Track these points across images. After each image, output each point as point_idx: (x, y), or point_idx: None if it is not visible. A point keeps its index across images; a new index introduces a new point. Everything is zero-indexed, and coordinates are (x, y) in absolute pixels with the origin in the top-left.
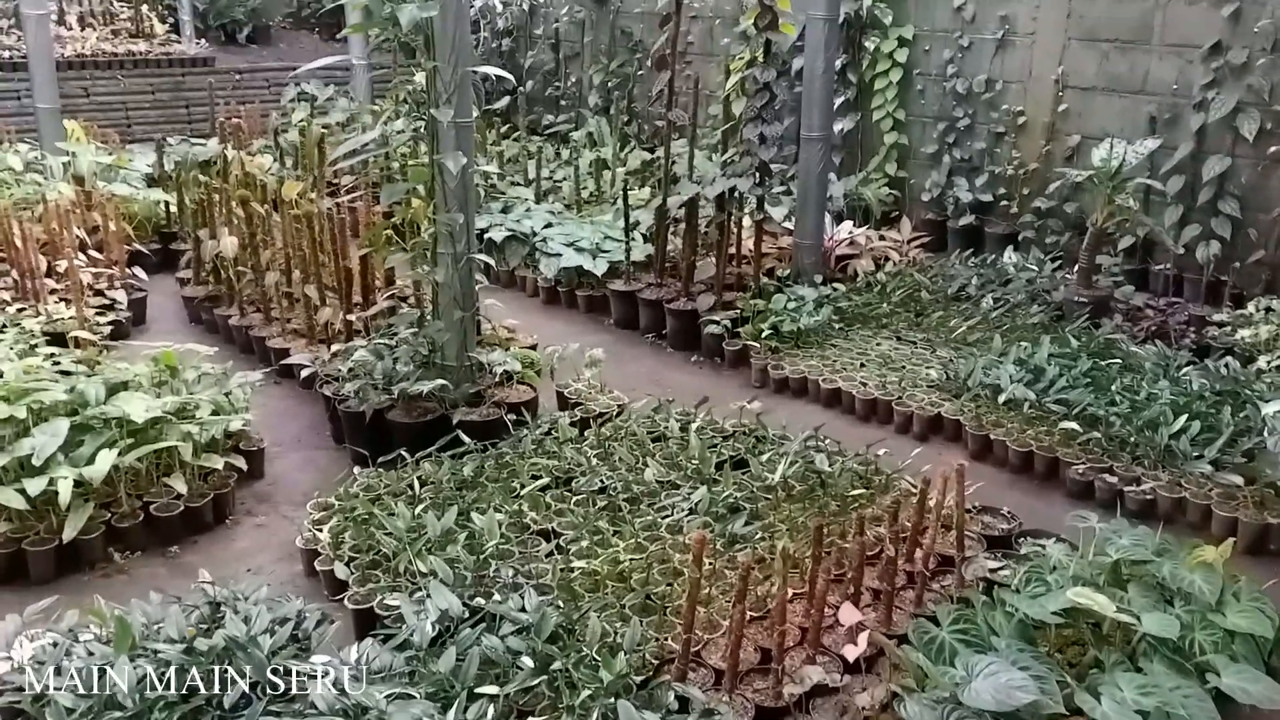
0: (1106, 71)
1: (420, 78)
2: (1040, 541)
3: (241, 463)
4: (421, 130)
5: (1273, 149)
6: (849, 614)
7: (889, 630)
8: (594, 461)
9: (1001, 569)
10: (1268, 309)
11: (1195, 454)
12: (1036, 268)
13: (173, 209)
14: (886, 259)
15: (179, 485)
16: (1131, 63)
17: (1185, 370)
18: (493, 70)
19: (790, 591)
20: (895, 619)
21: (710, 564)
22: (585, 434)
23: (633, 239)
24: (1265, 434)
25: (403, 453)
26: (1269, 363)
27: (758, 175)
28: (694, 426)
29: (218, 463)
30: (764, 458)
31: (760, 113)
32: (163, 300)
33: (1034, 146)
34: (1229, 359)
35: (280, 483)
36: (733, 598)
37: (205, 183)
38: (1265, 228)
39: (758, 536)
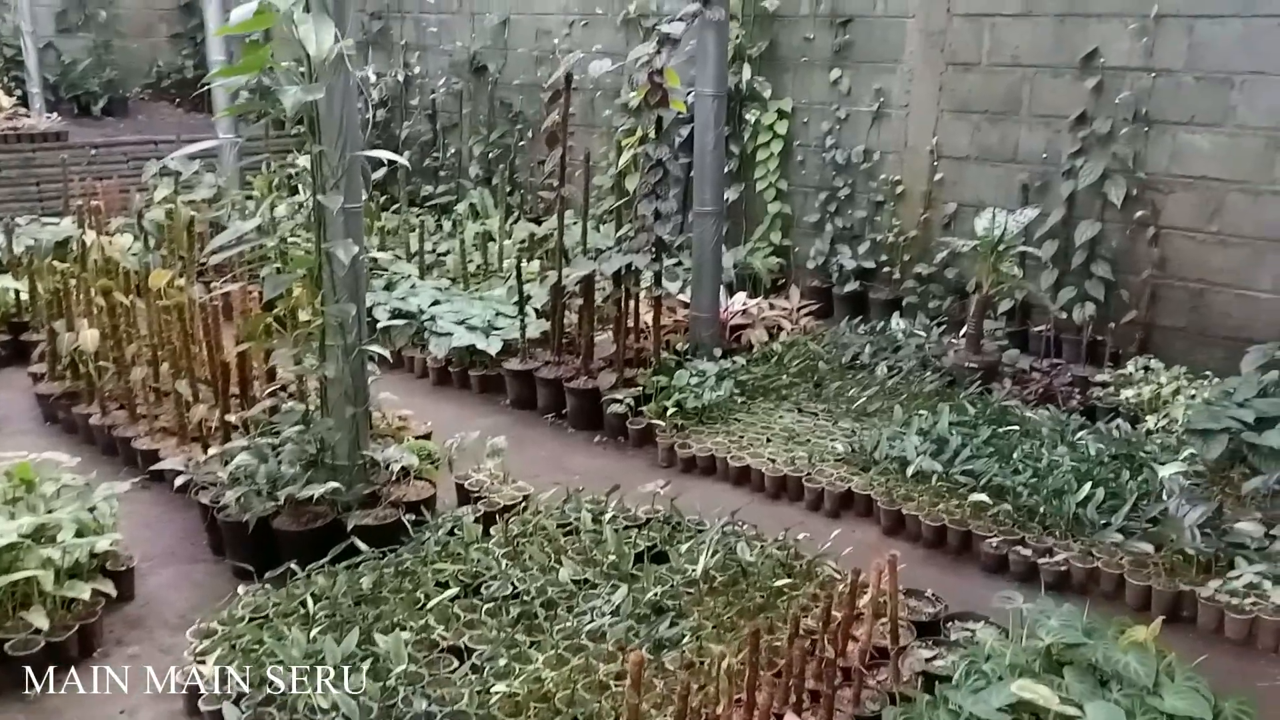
0: (979, 142)
1: (304, 161)
2: (969, 626)
3: (110, 587)
4: (306, 216)
5: (1139, 214)
6: None
7: None
8: (504, 563)
9: (935, 659)
10: (1146, 368)
11: (1103, 522)
12: (924, 333)
13: (24, 297)
14: (779, 328)
15: (39, 619)
16: (1002, 133)
17: (1080, 434)
18: (383, 154)
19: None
20: None
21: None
22: (491, 531)
23: (526, 315)
24: (1165, 497)
25: (292, 566)
26: (1156, 423)
27: (654, 251)
28: (607, 517)
29: (83, 591)
30: (683, 548)
31: (654, 189)
32: (13, 397)
33: (913, 214)
34: (1119, 420)
35: (153, 604)
36: (670, 717)
37: (61, 270)
38: (1136, 289)
39: (685, 639)
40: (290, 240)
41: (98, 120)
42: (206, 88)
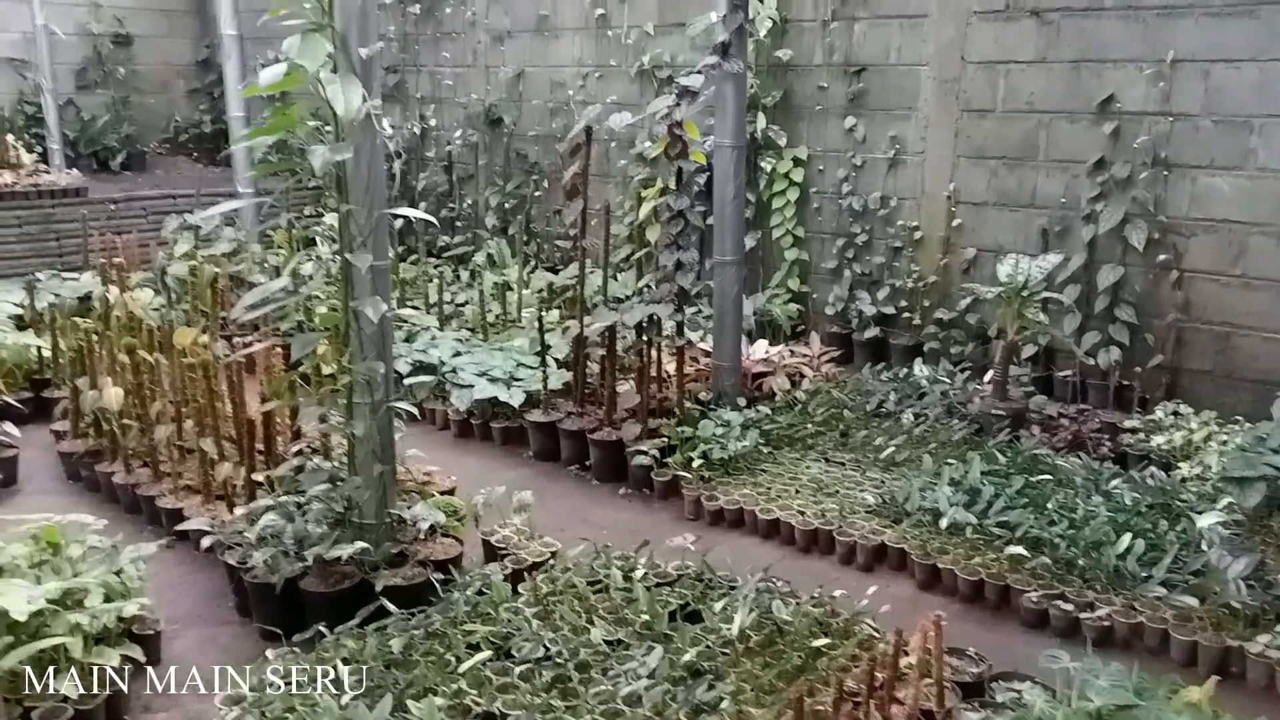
0: (996, 187)
1: (330, 219)
2: (1015, 686)
3: (139, 653)
4: (333, 273)
5: (1162, 257)
6: None
7: None
8: (534, 623)
9: None
10: (1175, 413)
11: (1144, 575)
12: (949, 380)
13: (46, 354)
14: (800, 375)
15: (67, 687)
16: (1020, 178)
17: (1114, 483)
18: (412, 213)
19: None
20: None
21: None
22: (520, 589)
23: (548, 366)
24: (1205, 548)
25: (321, 628)
26: (1190, 470)
27: (676, 301)
28: (637, 574)
29: (112, 657)
30: (717, 606)
31: (676, 239)
32: (36, 455)
33: (931, 260)
34: (1152, 468)
35: (180, 669)
36: None
37: (85, 328)
38: (1161, 333)
39: (724, 703)
40: (317, 297)
41: (116, 175)
42: (227, 143)
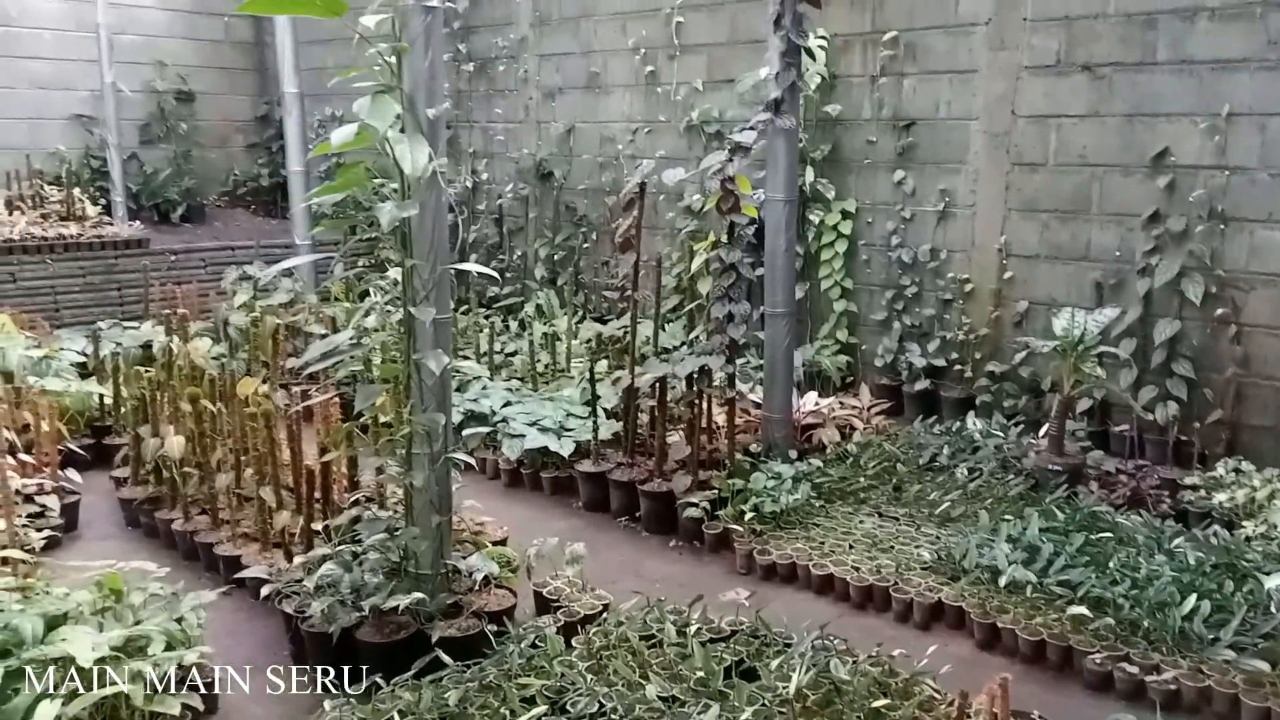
0: (1048, 240)
1: (395, 273)
2: None
3: (198, 702)
4: (395, 326)
5: (1220, 311)
6: None
7: None
8: (588, 678)
9: None
10: (1236, 470)
11: (1211, 637)
12: (1002, 434)
13: (108, 401)
14: (850, 427)
15: None
16: (1072, 231)
17: (1176, 542)
18: (474, 268)
19: None
20: None
21: None
22: (573, 642)
23: (598, 416)
24: (1274, 610)
25: (377, 679)
26: (1255, 529)
27: (728, 353)
28: (691, 630)
29: (174, 707)
30: (773, 664)
31: (727, 291)
32: (96, 501)
33: (983, 312)
34: (1216, 527)
35: (236, 718)
36: None
37: (149, 377)
38: (1220, 387)
39: None
40: (375, 349)
41: (176, 227)
42: (284, 196)
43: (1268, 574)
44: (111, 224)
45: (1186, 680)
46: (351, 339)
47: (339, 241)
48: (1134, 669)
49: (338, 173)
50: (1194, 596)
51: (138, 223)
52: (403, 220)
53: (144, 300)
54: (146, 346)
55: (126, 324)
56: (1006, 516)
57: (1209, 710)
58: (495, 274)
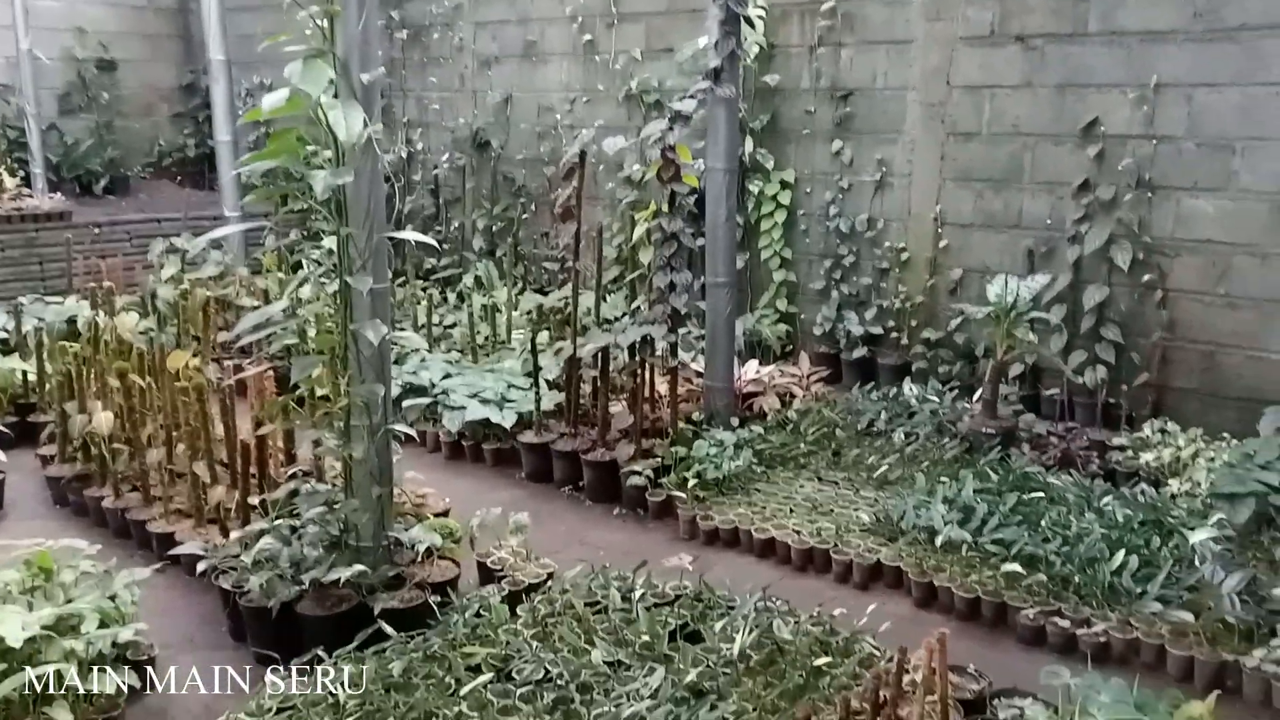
0: (982, 209)
1: (329, 242)
2: (1016, 703)
3: (134, 679)
4: (332, 297)
5: (1147, 277)
6: None
7: None
8: (534, 645)
9: None
10: (1162, 430)
11: (1139, 590)
12: (938, 399)
13: (31, 378)
14: (790, 395)
15: (62, 715)
16: (1006, 200)
17: (1106, 500)
18: (411, 236)
19: None
20: None
21: None
22: (518, 610)
23: (539, 388)
24: (1198, 563)
25: (319, 653)
26: (1180, 487)
27: (670, 322)
28: (636, 595)
29: (108, 684)
30: (716, 626)
31: (669, 261)
32: (21, 480)
33: (919, 281)
34: (1143, 485)
35: (175, 695)
36: None
37: (74, 353)
38: (1147, 351)
39: None
40: (310, 321)
41: (100, 199)
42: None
43: (1192, 529)
44: (31, 196)
45: (1116, 632)
46: (285, 310)
47: (269, 213)
48: (1065, 623)
49: (269, 140)
50: (1122, 552)
51: (59, 195)
52: (338, 188)
53: (67, 274)
54: (71, 322)
55: (49, 299)
56: (942, 479)
57: (1137, 661)
58: (434, 242)
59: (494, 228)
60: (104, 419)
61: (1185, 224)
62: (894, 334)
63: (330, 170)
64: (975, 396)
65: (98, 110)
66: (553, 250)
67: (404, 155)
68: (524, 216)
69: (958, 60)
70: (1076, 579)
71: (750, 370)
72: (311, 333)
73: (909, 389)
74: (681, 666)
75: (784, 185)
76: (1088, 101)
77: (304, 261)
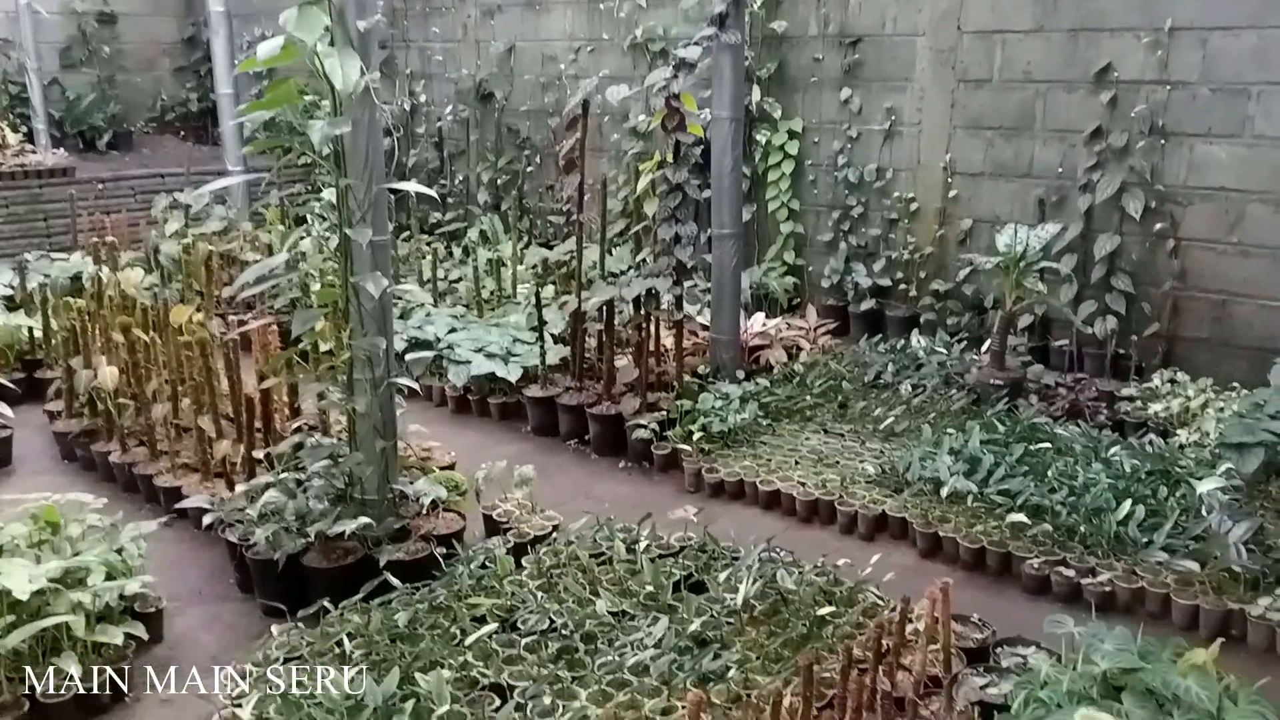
0: (992, 158)
1: (329, 195)
2: (1020, 651)
3: (141, 630)
4: (333, 249)
5: (1159, 226)
6: None
7: None
8: (539, 596)
9: (988, 686)
10: (1171, 381)
11: (1145, 540)
12: (945, 351)
13: (38, 334)
14: (797, 348)
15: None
16: (1016, 149)
17: (1113, 450)
18: (412, 187)
19: None
20: None
21: (679, 706)
22: (523, 562)
23: (544, 341)
24: (1205, 513)
25: (325, 604)
26: (1188, 437)
27: (675, 274)
28: (640, 546)
29: (116, 636)
30: (720, 577)
31: (674, 212)
32: (29, 435)
33: (928, 231)
34: (1151, 435)
35: (183, 646)
36: None
37: (78, 308)
38: (1158, 301)
39: (730, 672)
40: (312, 274)
41: (103, 155)
42: (214, 121)
43: (1200, 479)
44: (34, 152)
45: (1121, 582)
46: (286, 263)
47: (272, 167)
48: (1070, 572)
49: (267, 90)
50: (1129, 502)
51: (62, 150)
52: (336, 139)
53: (72, 230)
54: (76, 278)
55: (54, 255)
56: (949, 430)
57: (1142, 610)
58: (434, 194)
59: (499, 181)
60: (109, 374)
61: (1198, 171)
62: (902, 286)
63: (327, 120)
64: (983, 348)
65: (99, 64)
66: (558, 203)
67: (407, 108)
68: (529, 169)
69: (968, 4)
70: (1082, 529)
71: (756, 323)
72: (315, 287)
73: (917, 341)
74: (685, 616)
75: (791, 135)
76: (1100, 46)
77: (306, 215)
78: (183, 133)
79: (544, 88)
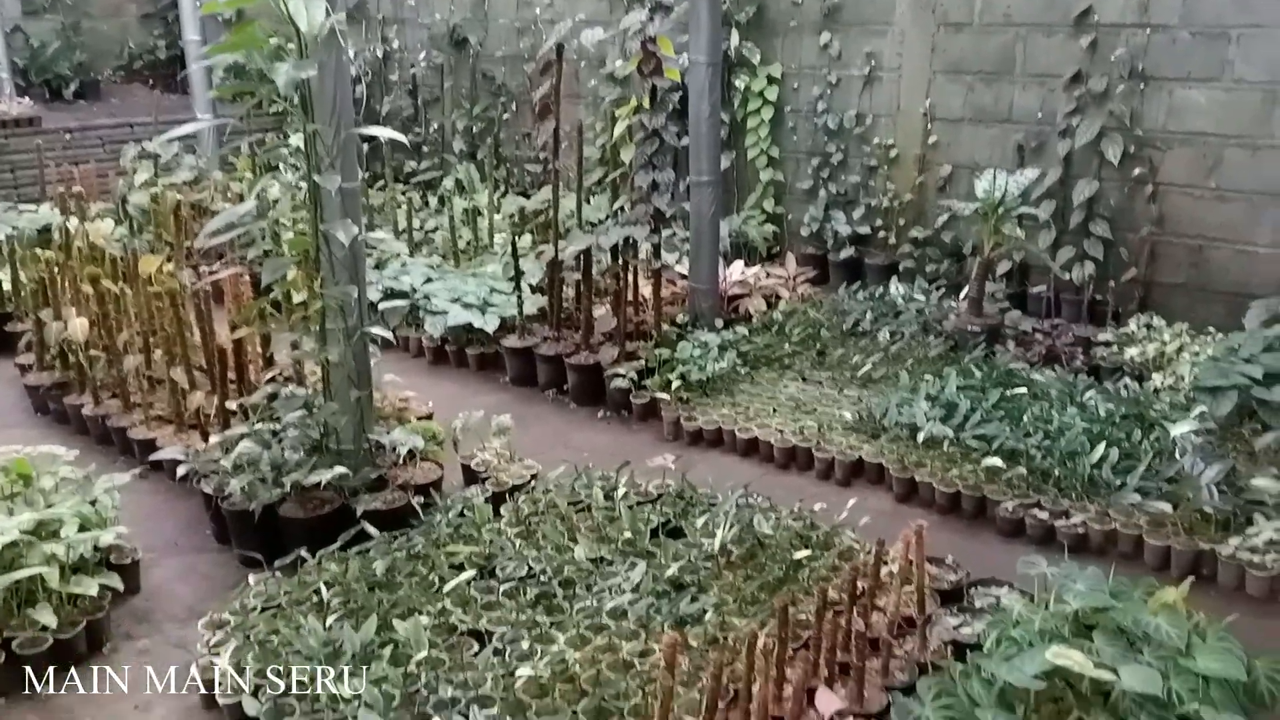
0: (972, 103)
1: (296, 140)
2: (993, 592)
3: (116, 581)
4: (301, 197)
5: (1137, 171)
6: (827, 701)
7: (862, 708)
8: (517, 543)
9: (962, 626)
10: (1148, 326)
11: (1119, 483)
12: (924, 298)
13: (6, 287)
14: (776, 296)
15: (46, 617)
16: (996, 94)
17: (1088, 395)
18: (380, 131)
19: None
20: (866, 694)
21: (656, 648)
22: (501, 511)
23: (522, 291)
24: (1178, 456)
25: (302, 553)
26: (1163, 381)
27: (652, 222)
28: (619, 494)
29: (90, 586)
30: (698, 522)
31: (651, 159)
32: (1, 390)
33: (907, 178)
34: (1126, 380)
35: (160, 597)
36: (704, 698)
37: (46, 259)
38: (1135, 246)
39: (707, 615)
40: (283, 222)
41: (70, 104)
42: (184, 69)
43: (1174, 422)
44: None
45: (1094, 524)
46: (252, 210)
47: (243, 117)
48: (1044, 515)
49: (232, 32)
50: (1103, 445)
51: (27, 100)
52: (303, 83)
53: (39, 181)
54: (44, 230)
55: (22, 207)
56: (926, 376)
57: (1114, 551)
58: (405, 139)
59: (474, 129)
60: (79, 326)
61: (1177, 116)
62: (881, 233)
63: (293, 63)
64: (962, 295)
65: (63, 11)
66: (534, 151)
67: (380, 54)
68: (504, 117)
69: None
70: (1056, 472)
71: (735, 272)
72: (287, 236)
73: (895, 288)
74: (663, 561)
75: (770, 81)
76: None
77: (279, 164)
78: (151, 81)
79: (519, 33)
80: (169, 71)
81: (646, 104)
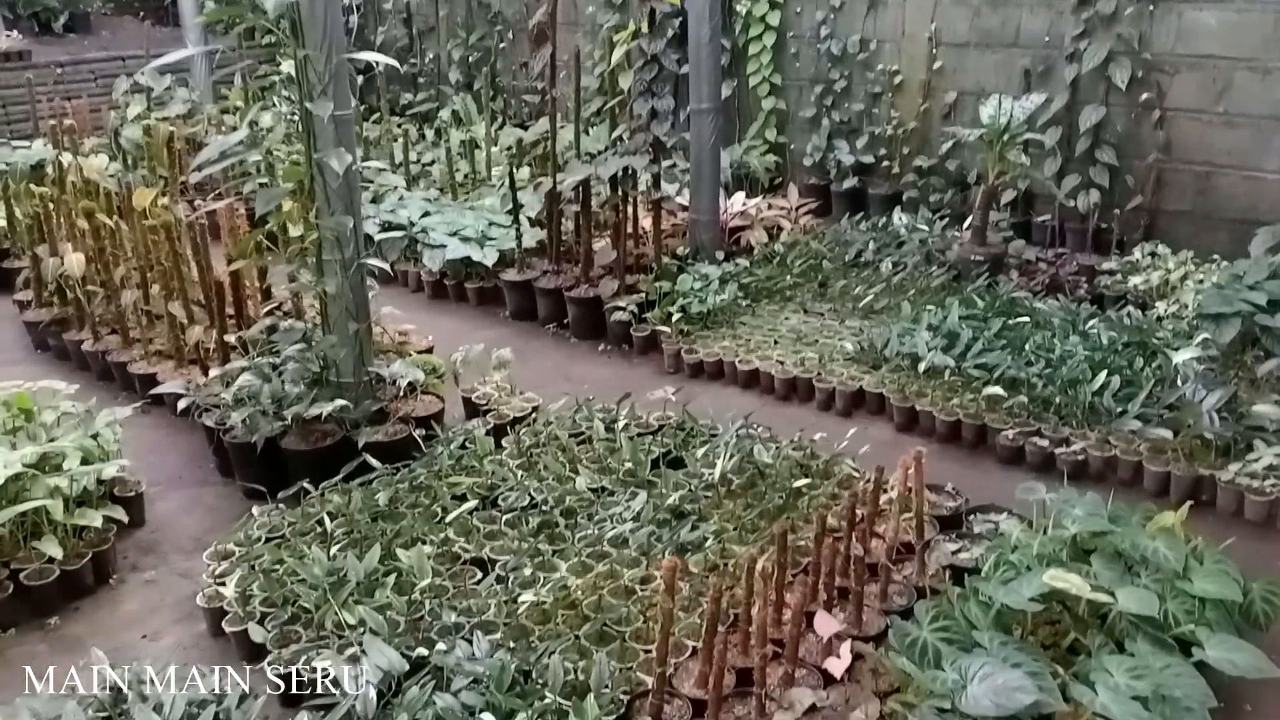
0: (978, 27)
1: (287, 67)
2: (992, 518)
3: (121, 513)
4: (295, 126)
5: (1145, 96)
6: (826, 624)
7: (860, 631)
8: (519, 474)
9: (960, 551)
10: (1152, 254)
11: (1119, 410)
12: (927, 228)
13: (2, 224)
14: (778, 228)
15: (52, 548)
16: (1003, 17)
17: (1091, 323)
18: (371, 56)
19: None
20: (864, 617)
21: (657, 575)
22: (503, 443)
23: (520, 224)
24: (1180, 383)
25: (305, 485)
26: (1166, 309)
27: (652, 152)
28: (619, 425)
29: (95, 518)
30: (699, 453)
31: (650, 86)
32: (1, 327)
33: (912, 105)
34: (1129, 308)
35: (165, 529)
36: (704, 621)
37: (41, 194)
38: (1141, 174)
39: (708, 543)
40: (276, 152)
41: (60, 38)
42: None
43: (1176, 350)
44: None
45: (1094, 451)
46: (244, 139)
47: (235, 48)
48: (1044, 442)
49: None
50: (1104, 373)
51: (16, 33)
52: (291, 7)
53: (31, 117)
54: (38, 166)
55: (15, 143)
56: (928, 307)
57: (1114, 477)
58: (397, 64)
59: (470, 59)
60: (76, 261)
61: (1186, 38)
62: (885, 163)
63: None
64: (965, 224)
65: None
66: (531, 81)
67: None
68: (501, 46)
69: None
70: (1057, 400)
71: (737, 203)
72: (282, 168)
73: (899, 219)
74: (663, 491)
75: (772, 5)
76: None
77: (277, 96)
78: (142, 13)
79: None
80: (159, 3)
81: (645, 29)
